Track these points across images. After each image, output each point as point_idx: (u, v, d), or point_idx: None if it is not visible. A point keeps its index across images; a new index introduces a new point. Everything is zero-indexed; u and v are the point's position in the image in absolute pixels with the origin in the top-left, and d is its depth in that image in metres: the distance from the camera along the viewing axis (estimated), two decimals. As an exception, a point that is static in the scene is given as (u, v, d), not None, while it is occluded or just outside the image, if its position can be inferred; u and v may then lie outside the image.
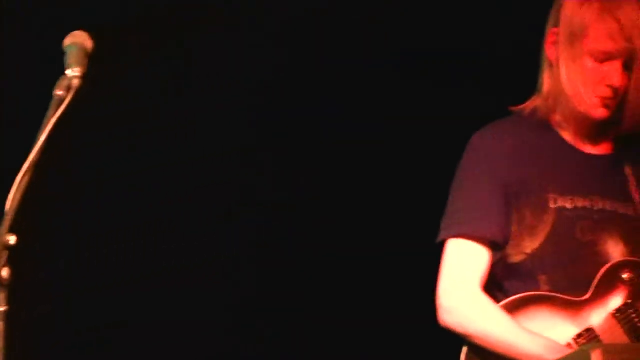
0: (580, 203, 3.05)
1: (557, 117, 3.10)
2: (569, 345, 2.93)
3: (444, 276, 3.01)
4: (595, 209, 3.05)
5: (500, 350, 2.92)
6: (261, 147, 4.25)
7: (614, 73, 2.98)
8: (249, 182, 4.25)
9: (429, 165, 3.98)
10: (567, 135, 3.12)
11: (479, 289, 2.98)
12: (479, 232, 3.00)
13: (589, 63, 2.98)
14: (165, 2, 4.09)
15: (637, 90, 3.00)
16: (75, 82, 2.39)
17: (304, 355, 4.22)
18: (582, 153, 3.11)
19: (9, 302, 2.32)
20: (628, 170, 3.13)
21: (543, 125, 3.11)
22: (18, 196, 2.29)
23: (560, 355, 2.79)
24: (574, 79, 2.99)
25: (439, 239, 3.06)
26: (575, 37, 2.98)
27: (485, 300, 2.97)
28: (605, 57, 2.97)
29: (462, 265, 3.00)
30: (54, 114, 2.35)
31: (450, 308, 2.98)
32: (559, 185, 3.05)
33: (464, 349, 2.97)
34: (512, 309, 2.98)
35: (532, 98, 3.13)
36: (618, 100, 3.01)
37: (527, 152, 3.08)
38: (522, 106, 3.13)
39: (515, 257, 3.03)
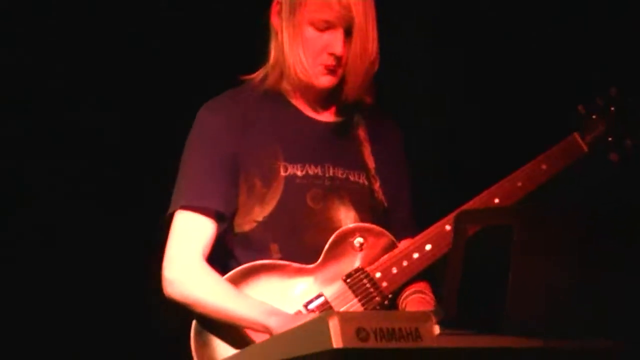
0: (311, 170, 2.97)
1: (285, 85, 3.01)
2: (299, 312, 2.86)
3: (168, 248, 2.91)
4: (327, 176, 2.98)
5: (220, 317, 2.81)
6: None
7: (335, 41, 2.91)
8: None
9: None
10: (297, 102, 3.03)
11: (200, 260, 2.87)
12: (202, 203, 2.90)
13: (310, 32, 2.91)
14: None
15: (357, 58, 2.93)
16: None
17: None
18: (313, 120, 3.03)
19: None
20: (362, 136, 3.08)
21: (273, 93, 3.01)
22: None
23: (275, 319, 2.72)
24: (295, 48, 2.92)
25: (168, 213, 2.94)
26: (296, 6, 2.91)
27: (205, 270, 2.86)
28: (325, 26, 2.90)
29: (185, 237, 2.90)
30: None
31: (172, 279, 2.87)
32: (290, 153, 2.96)
33: (194, 323, 2.85)
34: (242, 278, 2.88)
35: (262, 67, 3.04)
36: (343, 68, 2.95)
37: (256, 121, 2.98)
38: (252, 75, 3.04)
39: (246, 226, 2.94)
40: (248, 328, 2.81)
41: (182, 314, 2.91)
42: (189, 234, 2.90)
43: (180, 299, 2.86)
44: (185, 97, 3.35)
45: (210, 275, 2.87)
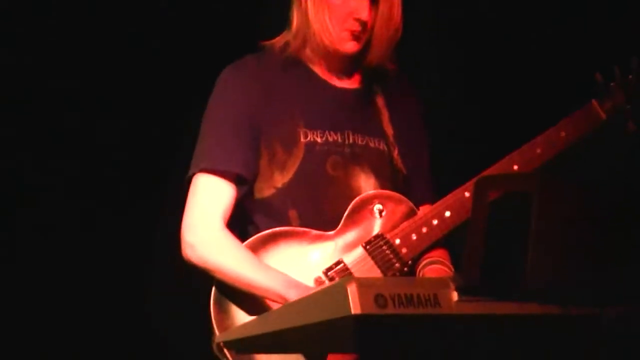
0: (331, 137, 2.95)
1: (308, 52, 2.99)
2: (319, 278, 2.86)
3: (188, 211, 2.88)
4: (347, 143, 2.96)
5: (239, 285, 2.79)
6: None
7: (361, 7, 2.88)
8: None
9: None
10: (318, 70, 3.01)
11: (221, 224, 2.85)
12: (223, 166, 2.87)
13: None
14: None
15: (382, 24, 2.91)
16: None
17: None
18: (334, 87, 3.01)
19: None
20: (381, 103, 3.06)
21: (294, 61, 2.99)
22: None
23: (295, 291, 2.71)
24: (321, 13, 2.89)
25: (188, 176, 2.92)
26: None
27: (226, 236, 2.84)
28: None
29: (206, 201, 2.87)
30: None
31: (192, 243, 2.84)
32: (310, 120, 2.94)
33: (213, 290, 2.83)
34: (261, 245, 2.86)
35: (283, 34, 3.02)
36: (367, 34, 2.93)
37: (277, 87, 2.96)
38: (272, 41, 3.02)
39: (266, 192, 2.93)
40: (267, 298, 2.79)
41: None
42: (210, 198, 2.87)
43: (200, 264, 2.84)
44: (186, 97, 3.37)
45: (231, 241, 2.84)
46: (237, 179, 2.90)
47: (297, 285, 2.77)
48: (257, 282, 2.78)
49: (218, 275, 2.82)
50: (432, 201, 3.01)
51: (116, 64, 3.88)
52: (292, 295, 2.71)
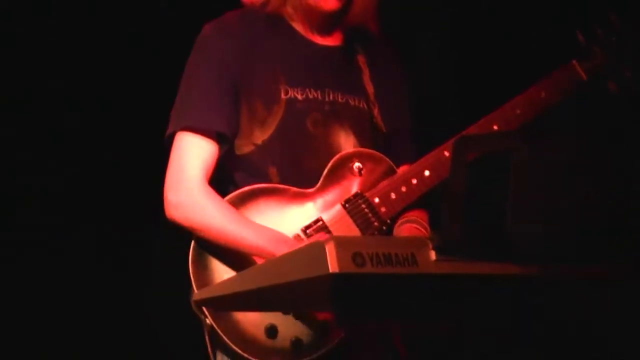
0: (311, 95, 2.91)
1: (289, 9, 2.95)
2: (297, 236, 2.82)
3: (170, 170, 2.83)
4: (327, 100, 2.93)
5: (225, 243, 2.75)
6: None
7: None
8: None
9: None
10: (300, 27, 2.97)
11: (203, 182, 2.81)
12: (204, 124, 2.83)
13: None
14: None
15: None
16: None
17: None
18: (315, 44, 2.97)
19: None
20: (362, 62, 3.02)
21: (275, 18, 2.94)
22: None
23: (284, 247, 2.66)
24: None
25: (167, 134, 2.87)
26: None
27: (210, 194, 2.80)
28: None
29: (188, 159, 2.82)
30: None
31: (176, 202, 2.80)
32: (291, 77, 2.90)
33: (192, 244, 2.79)
34: (241, 202, 2.82)
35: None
36: None
37: (258, 44, 2.91)
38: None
39: (245, 148, 2.88)
40: (256, 255, 2.75)
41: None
42: (193, 156, 2.83)
43: (185, 223, 2.79)
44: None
45: (215, 199, 2.80)
46: (218, 137, 2.85)
47: (285, 241, 2.74)
48: (245, 239, 2.74)
49: (204, 234, 2.77)
50: (412, 161, 2.98)
51: (116, 64, 3.88)
52: (282, 252, 2.67)
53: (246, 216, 2.81)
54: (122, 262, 3.95)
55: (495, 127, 2.97)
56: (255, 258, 2.76)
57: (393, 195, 2.91)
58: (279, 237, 2.75)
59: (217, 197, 2.81)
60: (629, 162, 2.08)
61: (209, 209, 2.78)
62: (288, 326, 2.74)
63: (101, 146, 3.94)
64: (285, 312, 2.73)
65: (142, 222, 3.78)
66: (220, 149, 2.86)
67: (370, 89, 3.00)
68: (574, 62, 3.05)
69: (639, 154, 2.07)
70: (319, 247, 1.99)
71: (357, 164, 2.91)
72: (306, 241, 2.79)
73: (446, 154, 2.93)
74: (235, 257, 2.78)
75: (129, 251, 3.95)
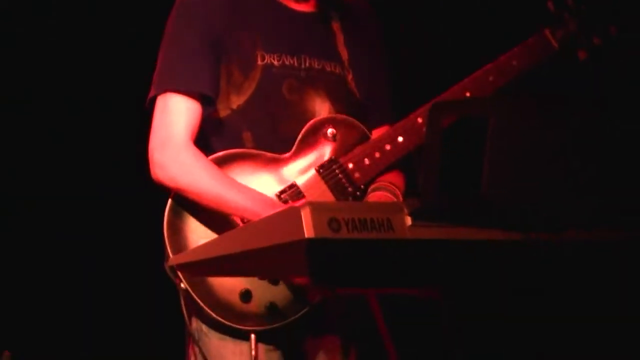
0: (287, 61, 2.89)
1: None
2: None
3: (155, 131, 2.81)
4: (303, 67, 2.90)
5: (211, 203, 2.73)
6: None
7: None
8: None
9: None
10: (276, -7, 2.95)
11: (189, 143, 2.78)
12: (188, 85, 2.80)
13: None
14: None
15: None
16: None
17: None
18: (291, 10, 2.94)
19: None
20: (337, 27, 3.00)
21: None
22: None
23: (268, 208, 2.65)
24: None
25: (150, 96, 2.84)
26: None
27: (197, 154, 2.77)
28: None
29: (173, 119, 2.79)
30: None
31: (162, 163, 2.77)
32: (267, 42, 2.87)
33: (167, 211, 2.77)
34: (217, 166, 2.80)
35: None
36: None
37: (236, 8, 2.87)
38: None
39: (221, 112, 2.85)
40: (245, 219, 2.73)
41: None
42: (178, 117, 2.79)
43: (171, 184, 2.76)
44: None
45: (202, 159, 2.77)
46: (203, 99, 2.82)
47: (272, 204, 2.73)
48: (235, 202, 2.72)
49: (190, 195, 2.75)
50: (389, 125, 2.96)
51: (116, 64, 3.86)
52: (268, 213, 2.64)
53: None
54: (123, 262, 3.95)
55: (468, 94, 2.96)
56: (223, 224, 2.74)
57: (367, 161, 2.90)
58: (266, 199, 2.74)
59: (204, 158, 2.78)
60: (605, 126, 2.07)
61: (196, 170, 2.76)
62: (263, 291, 2.73)
63: (101, 146, 3.94)
64: (261, 277, 2.71)
65: (142, 222, 3.77)
66: (204, 111, 2.83)
67: (344, 54, 2.98)
68: (546, 30, 3.03)
69: (615, 118, 2.06)
70: (295, 212, 1.98)
71: (330, 130, 2.89)
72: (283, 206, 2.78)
73: (419, 120, 2.91)
74: (212, 222, 2.76)
75: (129, 251, 3.94)
